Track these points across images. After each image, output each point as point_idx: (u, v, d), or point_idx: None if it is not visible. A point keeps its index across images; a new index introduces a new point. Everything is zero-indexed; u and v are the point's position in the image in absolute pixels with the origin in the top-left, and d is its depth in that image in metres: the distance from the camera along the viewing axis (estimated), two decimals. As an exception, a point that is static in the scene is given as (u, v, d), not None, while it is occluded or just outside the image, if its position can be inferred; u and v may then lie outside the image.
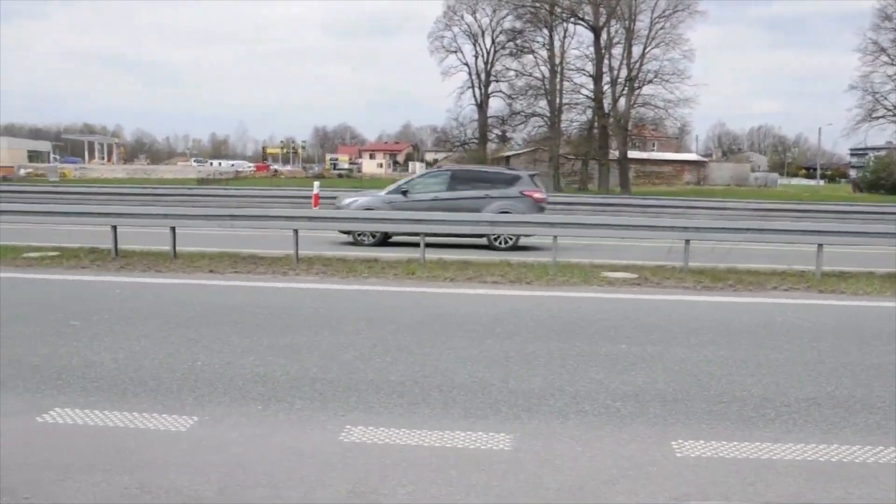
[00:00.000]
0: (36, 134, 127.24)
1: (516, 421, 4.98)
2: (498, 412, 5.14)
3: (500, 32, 59.79)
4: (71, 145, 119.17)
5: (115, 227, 12.30)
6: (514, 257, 12.69)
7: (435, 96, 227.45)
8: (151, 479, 4.00)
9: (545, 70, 53.22)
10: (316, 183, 22.70)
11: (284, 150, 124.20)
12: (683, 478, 4.15)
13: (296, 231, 12.05)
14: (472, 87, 62.16)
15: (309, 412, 5.06)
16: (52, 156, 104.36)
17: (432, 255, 12.32)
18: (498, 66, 60.71)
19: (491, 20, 60.17)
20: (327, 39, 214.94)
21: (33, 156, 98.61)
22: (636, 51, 49.23)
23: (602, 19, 49.49)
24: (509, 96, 58.53)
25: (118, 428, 4.75)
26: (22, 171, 70.22)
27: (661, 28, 48.59)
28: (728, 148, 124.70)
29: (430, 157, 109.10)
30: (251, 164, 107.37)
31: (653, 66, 49.02)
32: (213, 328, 7.37)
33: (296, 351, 6.54)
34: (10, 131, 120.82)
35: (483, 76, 62.52)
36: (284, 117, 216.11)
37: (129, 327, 7.37)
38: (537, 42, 54.42)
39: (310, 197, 20.93)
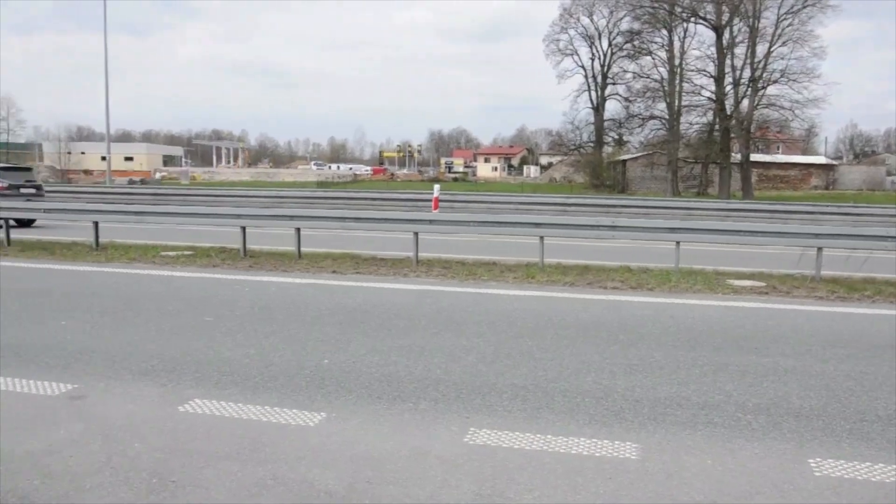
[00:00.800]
0: (170, 140, 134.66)
1: (642, 430, 4.87)
2: (623, 420, 5.05)
3: (618, 34, 58.96)
4: (201, 150, 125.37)
5: (244, 228, 12.84)
6: (635, 263, 12.42)
7: (550, 99, 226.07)
8: (284, 472, 4.14)
9: (664, 71, 52.01)
10: (436, 186, 22.97)
11: (401, 154, 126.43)
12: (824, 498, 3.94)
13: (416, 234, 12.23)
14: (588, 89, 61.51)
15: (433, 413, 5.11)
16: (183, 160, 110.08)
17: (551, 259, 12.23)
18: (615, 69, 59.89)
19: (608, 22, 59.40)
20: (445, 45, 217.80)
21: (167, 160, 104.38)
22: (760, 49, 47.34)
23: (724, 18, 47.82)
24: (626, 99, 57.60)
25: (252, 421, 4.94)
26: (157, 175, 74.56)
27: (788, 25, 46.45)
28: (861, 150, 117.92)
29: (544, 160, 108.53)
30: (368, 168, 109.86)
31: (779, 66, 46.98)
32: (339, 327, 7.57)
33: (418, 352, 6.63)
34: (148, 138, 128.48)
35: (599, 79, 61.77)
36: (401, 121, 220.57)
37: (259, 324, 7.67)
38: (656, 43, 53.24)
39: (428, 200, 21.20)
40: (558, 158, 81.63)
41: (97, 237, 13.77)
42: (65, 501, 3.80)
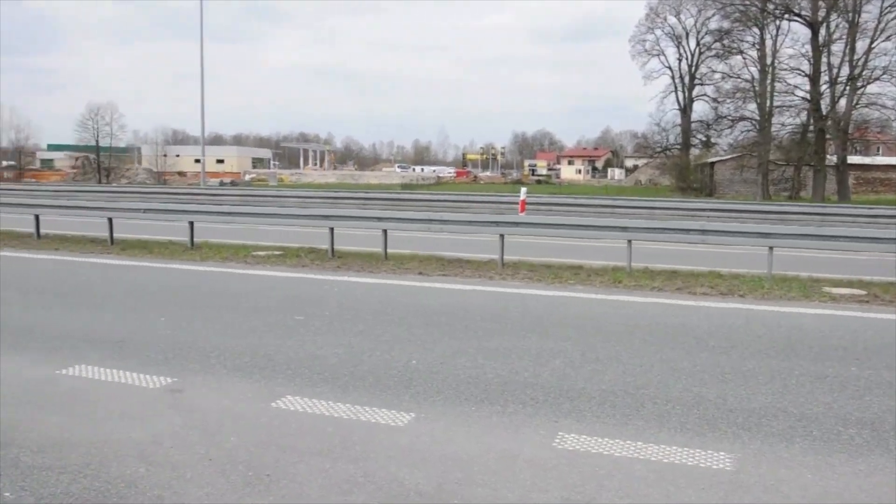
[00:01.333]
0: (259, 143, 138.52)
1: (736, 440, 4.74)
2: (716, 429, 4.92)
3: (706, 33, 57.53)
4: (288, 153, 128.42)
5: (332, 229, 13.10)
6: (725, 268, 12.09)
7: (636, 101, 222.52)
8: (374, 470, 4.20)
9: (755, 71, 50.36)
10: (523, 189, 22.91)
11: (484, 156, 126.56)
12: (935, 518, 3.76)
13: (502, 236, 12.22)
14: (675, 90, 60.31)
15: (522, 416, 5.10)
16: (272, 162, 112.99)
17: (638, 263, 12.03)
18: (703, 69, 58.49)
19: (696, 21, 58.05)
20: (531, 46, 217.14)
21: (256, 162, 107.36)
22: (861, 46, 45.14)
23: (821, 14, 45.93)
24: (715, 100, 56.12)
25: (342, 419, 5.03)
26: (247, 177, 76.80)
27: (893, 18, 44.15)
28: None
29: (629, 163, 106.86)
30: (451, 170, 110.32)
31: (881, 62, 44.66)
32: (425, 328, 7.64)
33: (505, 354, 6.63)
34: (238, 141, 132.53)
35: (687, 79, 60.46)
36: (484, 124, 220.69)
37: (347, 324, 7.81)
38: (746, 42, 51.58)
39: (512, 203, 21.18)
40: (644, 161, 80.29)
41: (192, 237, 14.28)
42: (168, 490, 3.95)
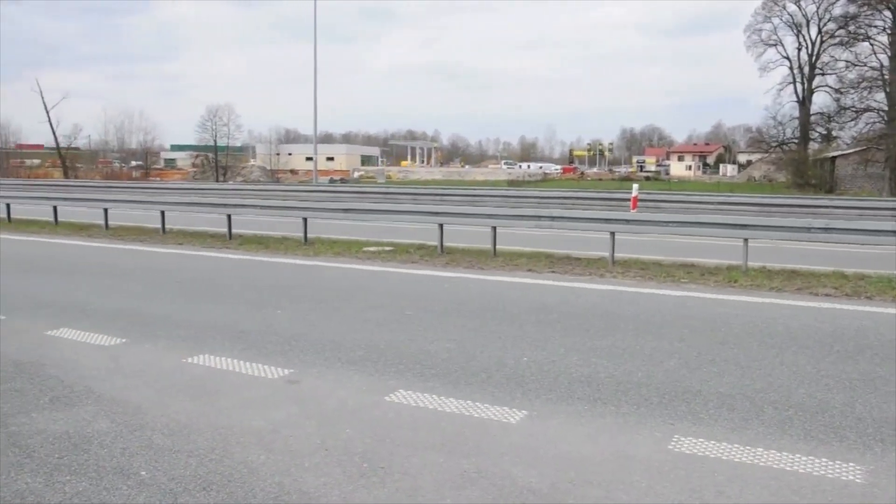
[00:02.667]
0: (368, 141, 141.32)
1: (867, 451, 4.49)
2: (843, 439, 4.68)
3: (829, 20, 54.57)
4: (396, 150, 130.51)
5: (441, 226, 13.22)
6: (849, 268, 11.48)
7: (750, 94, 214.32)
8: (487, 466, 4.22)
9: (884, 58, 47.50)
10: (635, 185, 22.46)
11: (591, 153, 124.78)
12: None
13: (612, 234, 12.02)
14: (794, 82, 57.57)
15: (636, 417, 5.00)
16: (380, 160, 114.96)
17: (753, 262, 11.58)
18: (825, 58, 55.47)
19: (818, 7, 55.15)
20: (641, 40, 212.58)
21: (365, 160, 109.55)
22: None
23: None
24: (837, 90, 53.31)
25: (455, 414, 5.07)
26: (356, 174, 78.51)
27: None
28: None
29: (742, 158, 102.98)
30: (558, 167, 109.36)
31: None
32: (536, 326, 7.60)
33: (618, 353, 6.52)
34: (348, 139, 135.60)
35: (806, 69, 57.59)
36: (592, 119, 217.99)
37: (458, 320, 7.86)
38: (875, 27, 48.71)
39: (621, 199, 20.80)
40: (758, 156, 77.02)
41: (306, 232, 14.71)
42: (287, 477, 4.09)
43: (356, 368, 6.13)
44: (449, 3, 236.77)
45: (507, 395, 5.43)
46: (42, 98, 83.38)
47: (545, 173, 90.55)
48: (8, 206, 20.94)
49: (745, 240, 11.54)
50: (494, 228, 12.91)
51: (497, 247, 12.99)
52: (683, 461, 4.29)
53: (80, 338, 7.25)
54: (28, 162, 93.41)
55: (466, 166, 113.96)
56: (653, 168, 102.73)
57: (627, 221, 12.43)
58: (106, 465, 4.25)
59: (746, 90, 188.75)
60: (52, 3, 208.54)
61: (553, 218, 12.85)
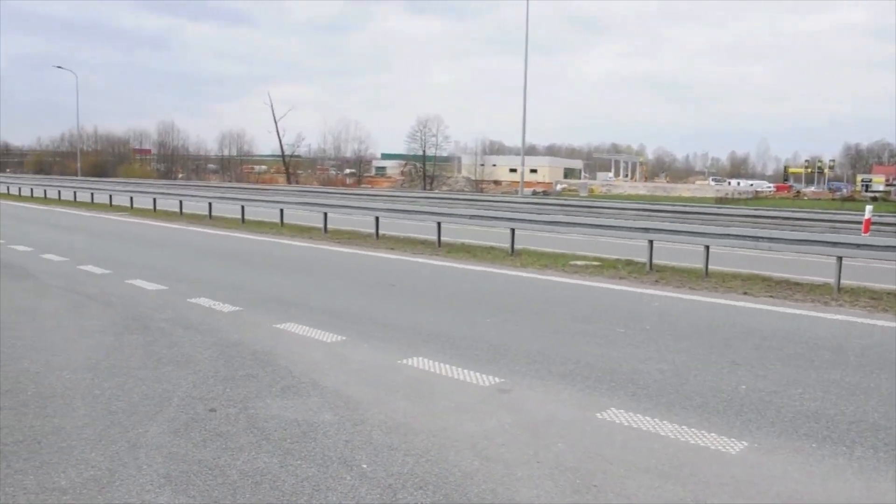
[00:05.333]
0: (571, 153, 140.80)
1: None
2: None
3: None
4: (599, 163, 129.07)
5: (651, 242, 12.87)
6: None
7: None
8: (706, 496, 4.03)
9: None
10: (868, 207, 20.69)
11: (808, 170, 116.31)
12: None
13: (839, 258, 11.12)
14: None
15: (872, 463, 4.57)
16: (582, 173, 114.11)
17: None
18: None
19: None
20: (870, 46, 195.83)
21: (567, 173, 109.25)
22: None
23: None
24: None
25: (669, 438, 4.90)
26: (558, 187, 78.43)
27: None
28: None
29: None
30: (770, 185, 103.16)
31: None
32: (755, 352, 7.19)
33: (849, 390, 6.01)
34: (551, 151, 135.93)
35: None
36: (811, 134, 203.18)
37: (669, 340, 7.60)
38: None
39: (851, 222, 19.23)
40: None
41: (513, 243, 14.87)
42: (500, 486, 4.13)
43: (566, 382, 6.10)
44: (659, 11, 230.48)
45: (724, 424, 5.18)
46: (272, 110, 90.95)
47: (756, 191, 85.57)
48: (242, 208, 22.97)
49: None
50: (707, 247, 12.37)
51: (709, 267, 12.43)
52: (932, 516, 3.88)
53: (304, 332, 7.78)
54: (256, 168, 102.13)
55: (671, 182, 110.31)
56: (881, 187, 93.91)
57: (858, 246, 11.42)
58: (331, 454, 4.52)
59: None
60: (285, 24, 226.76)
61: (772, 239, 12.08)
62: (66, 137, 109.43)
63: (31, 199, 38.17)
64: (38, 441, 4.72)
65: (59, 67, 70.32)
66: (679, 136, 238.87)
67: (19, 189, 42.91)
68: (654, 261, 13.04)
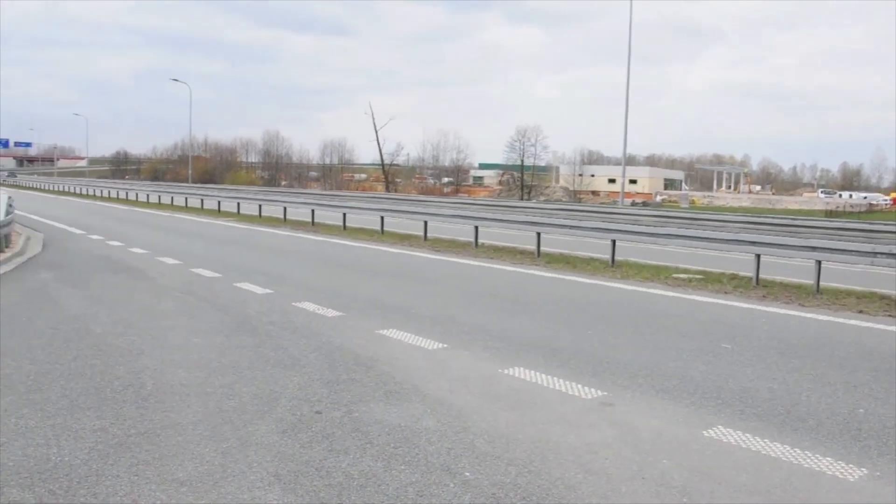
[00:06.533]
0: (671, 164, 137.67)
1: None
2: None
3: None
4: (700, 174, 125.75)
5: (758, 256, 12.44)
6: None
7: None
8: (822, 523, 3.86)
9: None
10: None
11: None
12: None
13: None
14: None
15: None
16: (683, 184, 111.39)
17: None
18: None
19: None
20: None
21: (668, 184, 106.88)
22: None
23: None
24: None
25: (781, 460, 4.71)
26: (658, 198, 76.81)
27: None
28: None
29: None
30: (887, 198, 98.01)
31: None
32: (871, 375, 6.82)
33: (980, 418, 5.64)
34: (651, 161, 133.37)
35: None
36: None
37: (779, 358, 7.32)
38: None
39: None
40: None
41: (613, 255, 14.64)
42: (604, 500, 4.08)
43: (671, 398, 5.96)
44: (767, 17, 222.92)
45: (841, 449, 4.94)
46: (373, 120, 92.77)
47: (871, 204, 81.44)
48: (344, 215, 23.50)
49: None
50: (819, 262, 11.84)
51: (821, 283, 11.90)
52: None
53: (405, 339, 7.88)
54: (356, 176, 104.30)
55: (777, 194, 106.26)
56: None
57: None
58: (434, 461, 4.56)
59: None
60: (386, 35, 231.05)
61: (893, 255, 11.47)
62: (178, 146, 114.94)
63: (147, 204, 40.16)
64: (158, 434, 4.95)
65: (175, 80, 73.58)
66: (786, 147, 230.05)
67: (136, 195, 45.23)
68: (761, 275, 12.58)
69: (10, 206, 18.13)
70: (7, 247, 16.01)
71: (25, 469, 4.36)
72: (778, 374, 6.71)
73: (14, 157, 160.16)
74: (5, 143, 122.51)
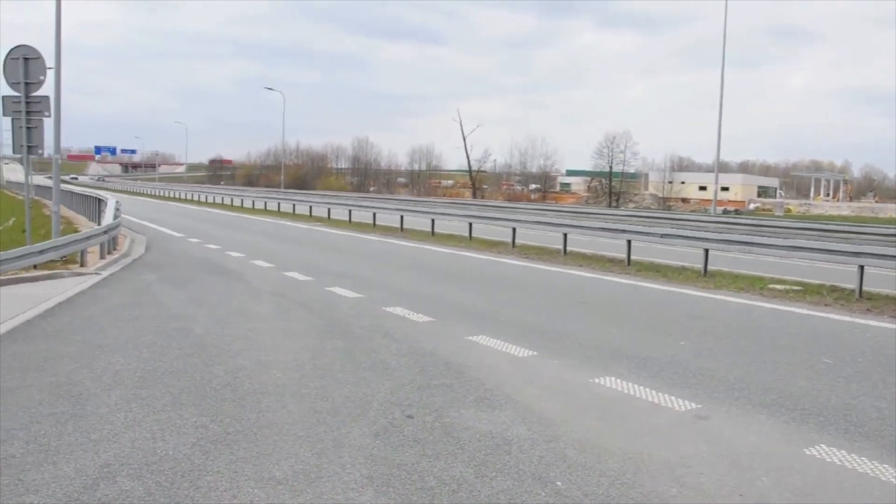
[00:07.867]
0: (765, 171, 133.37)
1: None
2: None
3: None
4: (796, 181, 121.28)
5: (861, 268, 11.91)
6: None
7: None
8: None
9: None
10: None
11: None
12: None
13: None
14: None
15: None
16: (778, 192, 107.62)
17: None
18: None
19: None
20: None
21: (762, 191, 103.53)
22: None
23: None
24: None
25: (891, 484, 4.48)
26: (751, 206, 74.41)
27: None
28: None
29: None
30: None
31: None
32: None
33: None
34: (744, 168, 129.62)
35: None
36: None
37: (887, 376, 6.97)
38: None
39: None
40: None
41: (706, 264, 14.27)
42: (701, 516, 3.98)
43: (768, 413, 5.77)
44: (869, 16, 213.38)
45: (954, 473, 4.68)
46: (461, 126, 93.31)
47: None
48: (433, 221, 23.70)
49: None
50: (930, 276, 11.26)
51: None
52: None
53: (495, 346, 7.89)
54: (443, 182, 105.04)
55: (881, 202, 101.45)
56: None
57: None
58: (525, 469, 4.55)
59: None
60: (476, 41, 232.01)
61: None
62: (271, 152, 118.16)
63: (241, 208, 41.47)
64: (255, 433, 5.11)
65: (268, 89, 75.93)
66: (891, 153, 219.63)
67: (231, 199, 46.79)
68: (866, 287, 12.04)
69: (118, 209, 19.10)
70: (115, 248, 16.87)
71: (135, 460, 4.58)
72: (886, 393, 6.40)
73: (120, 164, 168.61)
74: (112, 151, 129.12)
